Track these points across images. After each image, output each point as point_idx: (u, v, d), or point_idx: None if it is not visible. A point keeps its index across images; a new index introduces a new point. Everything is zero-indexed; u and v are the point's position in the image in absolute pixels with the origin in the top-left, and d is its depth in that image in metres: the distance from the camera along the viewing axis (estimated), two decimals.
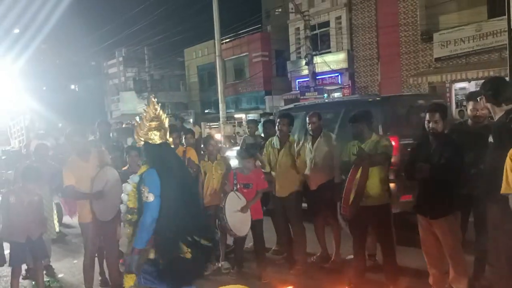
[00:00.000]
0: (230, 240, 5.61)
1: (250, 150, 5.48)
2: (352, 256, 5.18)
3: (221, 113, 18.26)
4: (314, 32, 21.05)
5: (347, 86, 20.78)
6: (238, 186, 5.04)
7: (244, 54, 26.03)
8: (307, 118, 5.24)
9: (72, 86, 39.82)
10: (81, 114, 28.01)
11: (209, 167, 5.37)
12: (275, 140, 5.25)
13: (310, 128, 5.20)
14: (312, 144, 5.22)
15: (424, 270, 4.39)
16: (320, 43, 21.52)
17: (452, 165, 3.73)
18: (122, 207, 3.34)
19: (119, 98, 30.27)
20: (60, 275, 5.58)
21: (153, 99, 3.54)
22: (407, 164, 4.11)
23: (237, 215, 4.88)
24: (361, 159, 4.16)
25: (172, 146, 3.67)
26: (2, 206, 4.44)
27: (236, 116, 26.80)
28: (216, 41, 17.80)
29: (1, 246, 4.56)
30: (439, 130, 3.85)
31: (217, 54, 17.60)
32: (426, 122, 3.92)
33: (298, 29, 22.11)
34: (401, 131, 5.70)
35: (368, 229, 4.59)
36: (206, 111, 29.47)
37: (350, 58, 20.32)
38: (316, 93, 18.29)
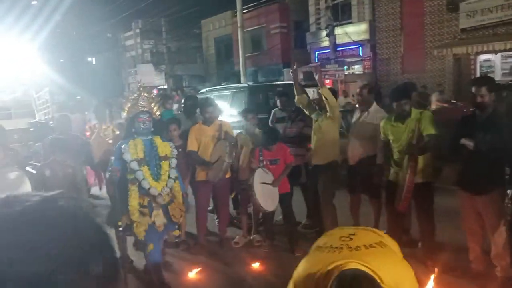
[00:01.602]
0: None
1: (276, 134, 5.37)
2: (385, 231, 5.17)
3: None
4: (335, 1, 20.52)
5: (368, 58, 20.33)
6: (265, 163, 5.00)
7: (262, 25, 25.57)
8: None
9: (89, 59, 39.85)
10: (99, 87, 28.13)
11: (246, 141, 5.33)
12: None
13: (357, 99, 5.11)
14: (358, 117, 5.11)
15: (463, 246, 4.35)
16: (341, 13, 20.98)
17: (499, 139, 3.62)
18: None
19: (136, 70, 30.21)
20: None
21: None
22: (451, 140, 4.00)
23: (265, 191, 4.87)
24: (413, 157, 4.05)
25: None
26: (38, 180, 4.46)
27: None
28: (238, 12, 17.49)
29: None
30: (486, 104, 3.72)
31: (238, 25, 17.33)
32: (472, 96, 3.80)
33: None
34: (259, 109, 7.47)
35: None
36: (223, 83, 29.31)
37: (372, 29, 19.78)
38: (337, 65, 17.94)
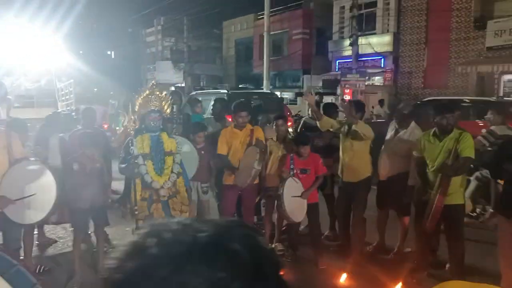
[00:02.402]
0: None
1: (307, 136, 5.32)
2: (410, 249, 5.07)
3: (265, 90, 18.11)
4: (360, 11, 20.42)
5: (389, 70, 20.18)
6: (295, 171, 4.92)
7: (285, 30, 25.53)
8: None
9: (109, 52, 40.12)
10: (116, 80, 28.24)
11: (276, 147, 5.26)
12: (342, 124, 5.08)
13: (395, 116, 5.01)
14: (395, 133, 5.01)
15: (495, 272, 4.23)
16: (365, 23, 20.86)
17: None
18: None
19: (155, 67, 30.32)
20: (114, 242, 5.65)
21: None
22: (493, 163, 3.89)
23: (294, 201, 4.78)
24: (446, 177, 3.95)
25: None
26: (67, 173, 4.44)
27: None
28: (265, 16, 17.47)
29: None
30: None
31: (265, 29, 17.31)
32: None
33: (343, 7, 21.45)
34: None
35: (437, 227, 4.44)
36: (241, 85, 29.30)
37: (396, 41, 19.63)
38: (358, 75, 17.81)
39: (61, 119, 9.10)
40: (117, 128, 10.60)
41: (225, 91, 12.42)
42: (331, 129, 5.20)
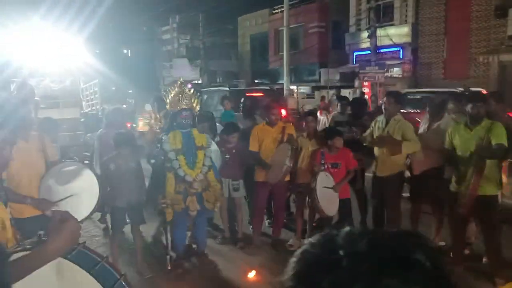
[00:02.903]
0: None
1: (336, 129, 5.36)
2: (443, 243, 5.05)
3: (285, 85, 18.03)
4: (377, 3, 20.22)
5: (408, 62, 19.95)
6: (326, 166, 4.94)
7: (300, 24, 25.40)
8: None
9: (125, 51, 40.43)
10: (133, 79, 28.47)
11: (306, 143, 5.28)
12: (379, 118, 5.08)
13: (428, 108, 5.00)
14: (427, 126, 4.99)
15: None
16: (382, 15, 20.65)
17: None
18: None
19: (171, 64, 30.49)
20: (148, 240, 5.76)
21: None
22: None
23: (326, 195, 4.82)
24: (481, 161, 3.92)
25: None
26: (104, 173, 4.53)
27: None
28: (285, 10, 17.43)
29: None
30: None
31: (285, 24, 17.27)
32: None
33: None
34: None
35: (470, 218, 4.42)
36: (257, 81, 29.30)
37: (414, 32, 19.39)
38: (377, 67, 17.68)
39: (87, 119, 9.29)
40: (134, 125, 10.78)
41: (226, 88, 13.59)
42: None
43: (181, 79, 4.76)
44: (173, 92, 4.66)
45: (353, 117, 5.75)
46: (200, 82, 27.40)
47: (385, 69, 18.16)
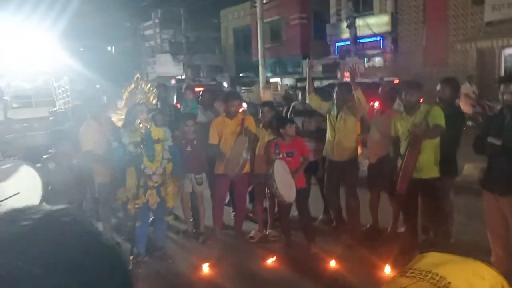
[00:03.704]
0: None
1: (285, 118, 5.46)
2: (403, 229, 5.08)
3: (261, 78, 17.98)
4: None
5: (389, 51, 19.98)
6: (281, 155, 4.95)
7: (281, 16, 25.30)
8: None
9: (109, 48, 40.06)
10: (118, 76, 28.23)
11: (262, 134, 5.27)
12: (330, 106, 5.12)
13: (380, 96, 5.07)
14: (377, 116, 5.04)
15: (485, 248, 4.24)
16: (362, 4, 20.62)
17: None
18: None
19: (155, 60, 30.28)
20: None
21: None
22: (478, 137, 3.88)
23: (284, 182, 4.83)
24: (416, 137, 3.97)
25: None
26: (43, 172, 4.42)
27: (272, 80, 26.41)
28: (258, 2, 17.32)
29: None
30: None
31: (258, 16, 17.17)
32: (500, 94, 3.66)
33: None
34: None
35: (419, 203, 4.45)
36: (241, 74, 29.20)
37: (394, 21, 19.39)
38: (357, 57, 17.69)
39: (57, 116, 9.20)
40: None
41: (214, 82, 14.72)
42: (319, 110, 5.25)
43: (138, 75, 4.71)
44: (129, 88, 4.61)
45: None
46: (183, 77, 27.24)
47: (365, 59, 18.17)
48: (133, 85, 4.71)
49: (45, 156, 4.52)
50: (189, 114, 5.61)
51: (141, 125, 4.59)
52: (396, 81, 12.32)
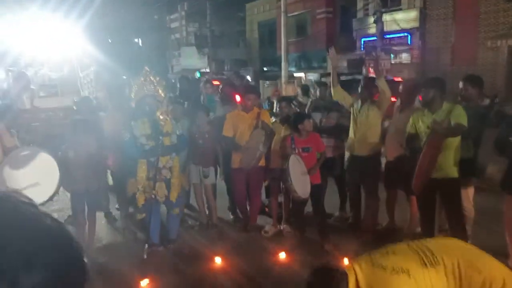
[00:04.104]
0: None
1: (302, 113, 5.46)
2: (419, 229, 4.98)
3: (283, 72, 17.91)
4: None
5: (416, 47, 19.55)
6: (297, 151, 4.91)
7: (307, 10, 25.06)
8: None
9: (136, 40, 40.55)
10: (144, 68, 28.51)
11: (279, 129, 5.25)
12: (354, 100, 5.06)
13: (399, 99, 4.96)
14: (400, 111, 4.93)
15: (501, 251, 4.12)
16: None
17: None
18: None
19: (180, 53, 30.48)
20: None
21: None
22: (499, 138, 3.76)
23: (299, 177, 4.80)
24: (436, 135, 3.87)
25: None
26: (62, 160, 4.49)
27: (296, 75, 26.25)
28: None
29: None
30: None
31: (282, 9, 17.08)
32: None
33: None
34: None
35: (437, 203, 4.35)
36: (265, 69, 29.11)
37: (422, 17, 18.95)
38: (383, 53, 17.37)
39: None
40: None
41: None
42: (343, 102, 5.19)
43: (146, 68, 4.75)
44: (138, 80, 4.66)
45: (331, 102, 5.67)
46: (208, 70, 27.36)
47: (391, 55, 17.83)
48: (142, 78, 4.77)
49: (65, 145, 4.60)
50: (203, 107, 5.63)
51: (161, 117, 4.64)
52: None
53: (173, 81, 6.31)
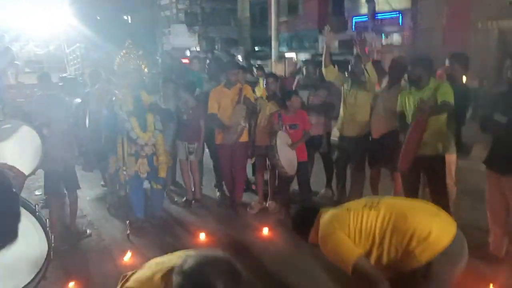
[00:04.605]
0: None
1: (290, 90, 5.48)
2: None
3: (273, 51, 17.74)
4: None
5: (408, 28, 19.45)
6: (284, 127, 4.90)
7: None
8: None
9: (125, 17, 39.84)
10: (134, 45, 28.07)
11: (264, 105, 5.22)
12: (345, 79, 5.03)
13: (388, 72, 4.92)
14: (382, 90, 4.92)
15: (483, 227, 4.18)
16: None
17: None
18: None
19: (169, 31, 30.04)
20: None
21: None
22: (484, 115, 3.77)
23: (286, 154, 4.81)
24: (423, 113, 3.86)
25: None
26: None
27: (287, 55, 26.06)
28: None
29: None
30: None
31: None
32: (507, 69, 3.53)
33: None
34: None
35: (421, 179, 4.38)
36: (257, 48, 28.84)
37: None
38: (374, 34, 17.28)
39: (66, 83, 9.23)
40: None
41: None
42: (335, 81, 5.16)
43: (129, 41, 4.66)
44: (121, 53, 4.58)
45: (318, 80, 5.64)
46: (198, 49, 27.07)
47: (382, 35, 17.75)
48: (124, 51, 4.69)
49: (38, 122, 4.39)
50: (187, 83, 5.58)
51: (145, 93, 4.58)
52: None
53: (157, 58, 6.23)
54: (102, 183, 6.27)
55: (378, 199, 2.56)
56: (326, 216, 2.56)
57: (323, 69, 5.13)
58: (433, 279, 2.29)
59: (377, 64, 5.42)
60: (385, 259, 2.37)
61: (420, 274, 2.31)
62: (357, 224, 2.40)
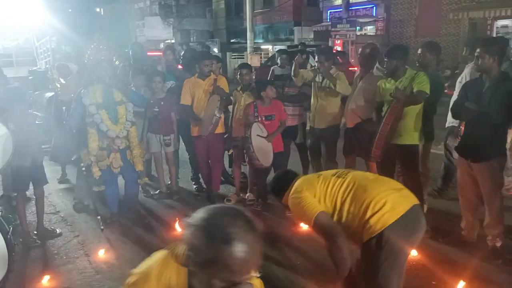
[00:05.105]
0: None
1: (264, 80, 5.45)
2: None
3: (249, 43, 17.68)
4: None
5: (381, 19, 19.67)
6: (260, 119, 4.88)
7: None
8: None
9: (98, 9, 38.99)
10: (107, 38, 27.54)
11: (239, 97, 5.18)
12: (315, 73, 5.02)
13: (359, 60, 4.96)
14: (357, 80, 4.94)
15: (455, 214, 4.28)
16: None
17: (502, 108, 3.42)
18: None
19: (144, 23, 29.57)
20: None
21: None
22: (456, 103, 3.83)
23: (261, 146, 4.79)
24: (398, 100, 3.90)
25: None
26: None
27: (263, 47, 26.02)
28: None
29: None
30: (487, 67, 3.50)
31: None
32: (475, 58, 3.58)
33: None
34: None
35: (396, 168, 4.43)
36: (232, 40, 28.69)
37: None
38: (349, 25, 17.40)
39: (36, 76, 9.00)
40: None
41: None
42: (308, 80, 5.15)
43: (99, 33, 4.56)
44: (92, 45, 4.47)
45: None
46: (173, 41, 26.73)
47: (356, 26, 17.88)
48: (95, 44, 4.58)
49: (3, 116, 4.19)
50: (158, 72, 5.49)
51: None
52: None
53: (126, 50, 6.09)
54: (58, 177, 6.19)
55: (348, 171, 2.75)
56: (299, 179, 2.79)
57: (294, 78, 5.14)
58: (384, 248, 2.38)
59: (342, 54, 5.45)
60: (343, 225, 2.53)
61: (373, 243, 2.41)
62: (323, 188, 2.61)
